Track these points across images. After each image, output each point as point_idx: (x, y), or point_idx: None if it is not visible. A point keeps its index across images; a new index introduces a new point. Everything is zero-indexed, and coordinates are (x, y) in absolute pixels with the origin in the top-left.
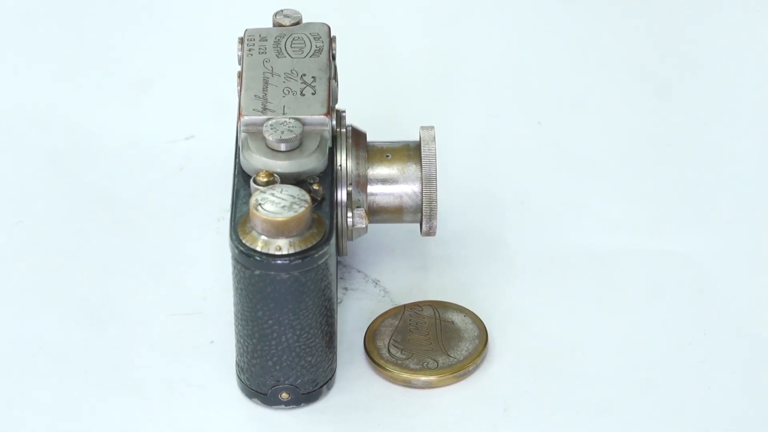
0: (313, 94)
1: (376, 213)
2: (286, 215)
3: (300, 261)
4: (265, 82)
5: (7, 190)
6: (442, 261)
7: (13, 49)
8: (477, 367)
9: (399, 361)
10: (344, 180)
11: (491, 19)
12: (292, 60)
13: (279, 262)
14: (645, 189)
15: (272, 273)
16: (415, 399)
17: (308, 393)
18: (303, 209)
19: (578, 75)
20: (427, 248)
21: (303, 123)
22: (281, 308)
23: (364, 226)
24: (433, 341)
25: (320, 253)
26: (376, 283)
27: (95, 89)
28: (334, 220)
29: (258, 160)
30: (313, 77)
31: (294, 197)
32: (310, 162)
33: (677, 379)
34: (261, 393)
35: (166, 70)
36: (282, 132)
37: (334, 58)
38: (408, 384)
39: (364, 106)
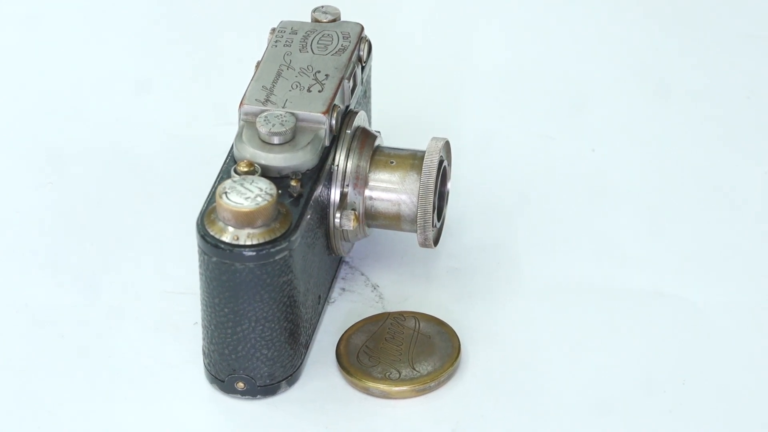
0: (319, 91)
1: (375, 218)
2: (246, 206)
3: (254, 253)
4: (278, 75)
5: (48, 152)
6: (448, 274)
7: (82, 26)
8: (439, 384)
9: (363, 368)
10: (339, 180)
11: (546, 34)
12: (313, 56)
13: (233, 251)
14: (674, 231)
15: (227, 261)
16: (370, 407)
17: (265, 386)
18: (265, 203)
19: (632, 103)
20: (437, 260)
21: (298, 118)
22: (236, 298)
23: (351, 227)
24: (403, 352)
25: (277, 248)
26: (374, 287)
27: (161, 66)
28: (305, 218)
29: (247, 150)
30: (326, 75)
31: (261, 190)
32: (296, 157)
33: (637, 424)
34: (219, 379)
35: (239, 54)
36: (273, 125)
37: (361, 59)
38: (367, 391)
39: (407, 110)
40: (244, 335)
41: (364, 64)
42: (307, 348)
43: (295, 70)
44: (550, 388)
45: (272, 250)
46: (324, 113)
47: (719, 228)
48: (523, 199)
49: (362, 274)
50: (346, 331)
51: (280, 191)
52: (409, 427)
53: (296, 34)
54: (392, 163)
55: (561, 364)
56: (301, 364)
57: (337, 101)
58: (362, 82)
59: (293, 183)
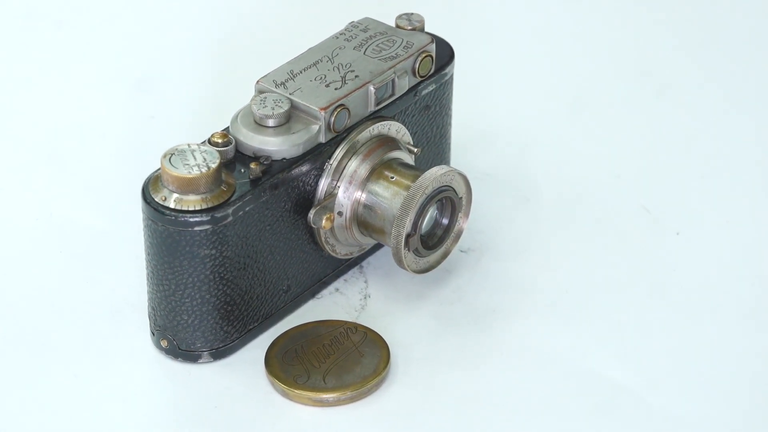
0: (336, 89)
1: (365, 227)
2: (179, 172)
3: (173, 218)
4: (314, 64)
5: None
6: (441, 306)
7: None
8: (339, 402)
9: (281, 364)
10: (329, 178)
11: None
12: (361, 56)
13: (156, 210)
14: (677, 336)
15: (152, 219)
16: (267, 402)
17: (186, 351)
18: (197, 174)
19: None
20: (441, 289)
21: (298, 108)
22: (159, 257)
23: (321, 226)
24: (328, 362)
25: (197, 219)
26: (365, 297)
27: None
28: (250, 201)
29: (235, 124)
30: (355, 76)
31: (204, 161)
32: (271, 143)
33: None
34: (152, 332)
35: None
36: (265, 107)
37: (415, 72)
38: (273, 386)
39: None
40: (165, 296)
41: (420, 77)
42: (250, 330)
43: (333, 63)
44: None
45: (191, 219)
46: (322, 109)
47: (725, 344)
48: (559, 259)
49: (365, 281)
50: (296, 327)
51: (244, 168)
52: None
53: (365, 32)
54: (392, 178)
55: (468, 427)
56: (235, 342)
57: (348, 102)
58: (416, 94)
59: (252, 165)
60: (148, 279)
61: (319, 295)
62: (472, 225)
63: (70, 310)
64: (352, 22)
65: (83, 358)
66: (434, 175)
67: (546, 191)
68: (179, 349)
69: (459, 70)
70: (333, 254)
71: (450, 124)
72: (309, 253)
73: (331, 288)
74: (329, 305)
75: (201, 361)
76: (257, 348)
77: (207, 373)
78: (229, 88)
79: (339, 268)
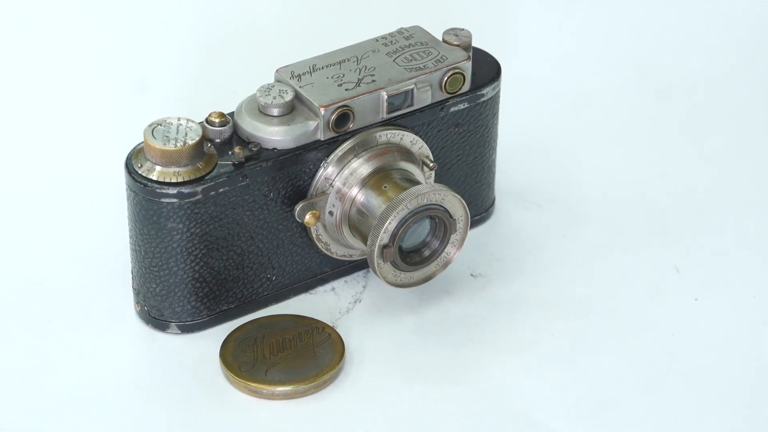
0: (347, 90)
1: (356, 231)
2: (153, 142)
3: (142, 186)
4: (339, 62)
5: None
6: (427, 322)
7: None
8: (271, 395)
9: (234, 351)
10: (323, 177)
11: None
12: (389, 62)
13: (130, 175)
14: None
15: (127, 184)
16: (212, 382)
17: (155, 318)
18: (170, 147)
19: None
20: (437, 306)
21: (303, 102)
22: (134, 222)
23: (304, 222)
24: (280, 356)
25: (164, 192)
26: (356, 301)
27: None
28: (226, 184)
29: (238, 107)
30: (372, 80)
31: (185, 136)
32: (263, 130)
33: None
34: (133, 294)
35: None
36: (267, 95)
37: (443, 87)
38: (221, 369)
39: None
40: (138, 261)
41: (449, 94)
42: (225, 311)
43: (357, 65)
44: None
45: (158, 191)
46: (322, 107)
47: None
48: (564, 303)
49: (363, 286)
50: (268, 316)
51: (233, 151)
52: (215, 414)
53: (407, 40)
54: (385, 188)
55: None
56: (205, 320)
57: (354, 104)
58: (442, 110)
59: (237, 149)
60: (129, 244)
61: (313, 291)
62: (495, 251)
63: (72, 259)
64: (401, 28)
65: (65, 306)
66: (419, 191)
67: (584, 230)
68: (149, 315)
69: (523, 90)
70: (328, 253)
71: (491, 146)
72: (301, 246)
73: (327, 286)
74: (317, 302)
75: (169, 331)
76: (228, 330)
77: (170, 343)
78: None
79: (341, 268)
